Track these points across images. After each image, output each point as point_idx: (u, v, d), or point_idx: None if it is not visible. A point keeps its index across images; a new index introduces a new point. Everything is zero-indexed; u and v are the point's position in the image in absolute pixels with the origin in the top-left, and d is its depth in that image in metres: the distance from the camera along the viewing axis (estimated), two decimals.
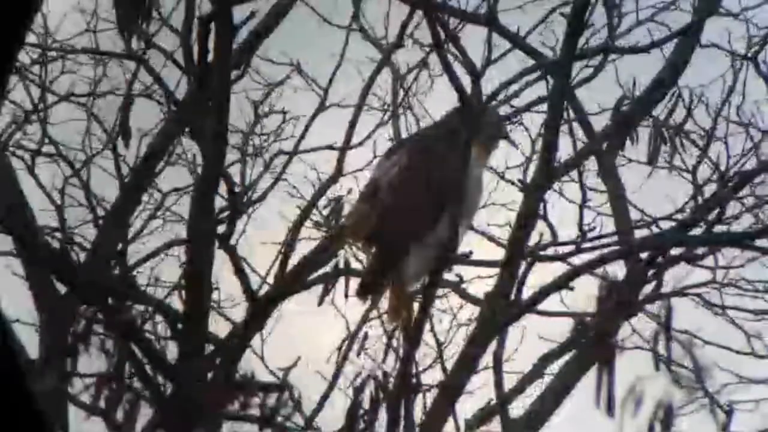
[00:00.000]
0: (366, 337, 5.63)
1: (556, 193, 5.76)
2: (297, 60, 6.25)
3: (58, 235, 5.99)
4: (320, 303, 5.68)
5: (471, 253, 4.16)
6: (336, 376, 5.56)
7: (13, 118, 6.10)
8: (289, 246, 5.46)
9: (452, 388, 4.21)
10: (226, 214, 5.19)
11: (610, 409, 3.95)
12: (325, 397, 5.47)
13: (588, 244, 5.45)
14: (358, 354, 5.54)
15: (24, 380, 1.82)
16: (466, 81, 3.56)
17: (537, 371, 5.46)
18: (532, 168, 5.83)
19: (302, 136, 6.00)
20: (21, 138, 6.17)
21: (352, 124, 5.72)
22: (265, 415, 4.11)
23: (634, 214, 5.73)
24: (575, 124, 5.65)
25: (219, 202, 5.31)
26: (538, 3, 5.89)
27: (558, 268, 5.22)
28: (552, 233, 5.36)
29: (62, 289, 5.63)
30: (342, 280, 5.58)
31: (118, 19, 5.34)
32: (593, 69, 5.34)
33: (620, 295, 4.53)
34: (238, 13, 4.94)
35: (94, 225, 6.00)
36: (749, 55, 5.90)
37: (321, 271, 5.57)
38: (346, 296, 5.58)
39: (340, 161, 5.74)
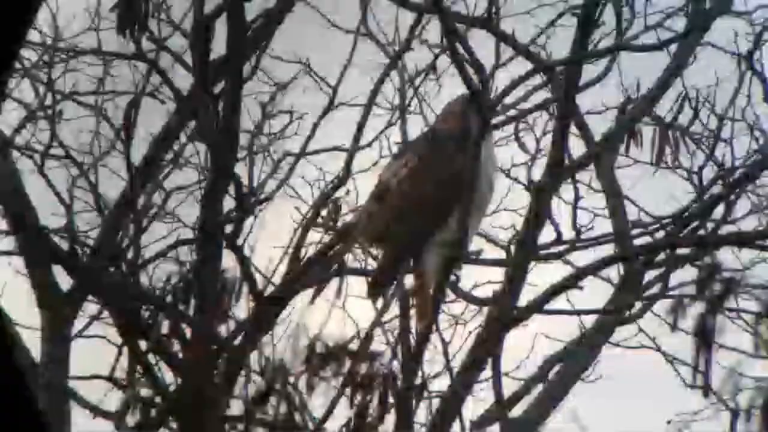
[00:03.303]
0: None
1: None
2: (306, 58, 6.24)
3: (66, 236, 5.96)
4: (312, 302, 5.67)
5: (481, 251, 4.17)
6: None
7: (22, 119, 6.09)
8: (297, 248, 5.43)
9: (461, 389, 4.19)
10: (234, 214, 5.17)
11: (706, 391, 3.92)
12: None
13: (588, 244, 5.46)
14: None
15: (24, 380, 1.81)
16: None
17: (542, 374, 5.48)
18: (536, 167, 5.86)
19: (310, 137, 5.97)
20: (30, 139, 6.15)
21: (361, 126, 5.70)
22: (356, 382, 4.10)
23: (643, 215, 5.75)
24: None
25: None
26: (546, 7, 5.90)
27: (560, 268, 5.24)
28: (557, 233, 5.34)
29: (64, 287, 5.61)
30: (340, 280, 5.57)
31: (117, 22, 5.34)
32: (603, 69, 5.31)
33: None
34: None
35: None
36: (744, 54, 5.90)
37: (323, 272, 5.55)
38: (339, 296, 5.56)
39: (348, 163, 5.72)
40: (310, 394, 3.71)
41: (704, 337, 3.61)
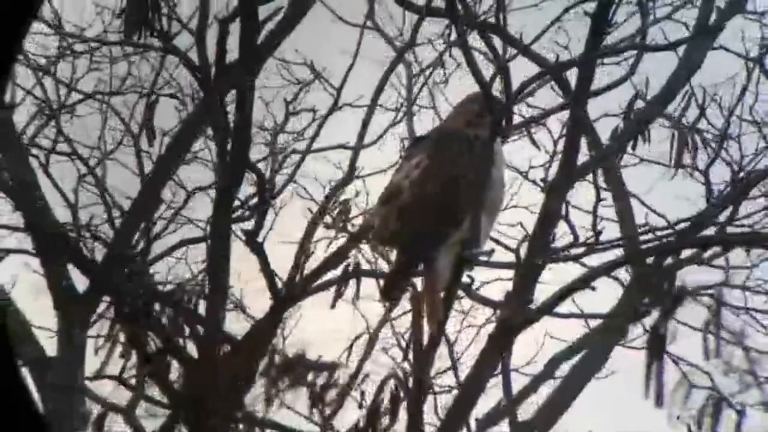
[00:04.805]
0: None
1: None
2: (311, 60, 6.28)
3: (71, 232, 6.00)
4: (333, 305, 5.67)
5: (493, 251, 4.15)
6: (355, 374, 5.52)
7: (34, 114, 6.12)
8: (303, 246, 5.44)
9: (472, 389, 4.19)
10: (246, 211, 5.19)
11: (659, 399, 3.93)
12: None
13: (601, 246, 5.44)
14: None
15: (24, 380, 1.83)
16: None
17: (547, 373, 5.49)
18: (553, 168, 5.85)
19: (316, 135, 6.00)
20: (37, 136, 6.19)
21: (366, 123, 5.71)
22: (316, 393, 4.10)
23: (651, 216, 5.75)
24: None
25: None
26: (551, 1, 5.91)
27: (572, 269, 5.23)
28: (573, 234, 5.33)
29: (80, 287, 5.64)
30: (354, 281, 5.57)
31: (125, 24, 5.34)
32: (626, 72, 5.26)
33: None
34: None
35: (109, 222, 6.02)
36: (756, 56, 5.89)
37: (334, 273, 5.55)
38: (357, 297, 5.56)
39: (353, 160, 5.73)
40: (269, 405, 3.71)
41: (656, 346, 3.62)
